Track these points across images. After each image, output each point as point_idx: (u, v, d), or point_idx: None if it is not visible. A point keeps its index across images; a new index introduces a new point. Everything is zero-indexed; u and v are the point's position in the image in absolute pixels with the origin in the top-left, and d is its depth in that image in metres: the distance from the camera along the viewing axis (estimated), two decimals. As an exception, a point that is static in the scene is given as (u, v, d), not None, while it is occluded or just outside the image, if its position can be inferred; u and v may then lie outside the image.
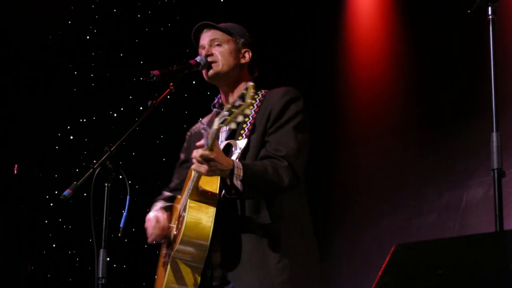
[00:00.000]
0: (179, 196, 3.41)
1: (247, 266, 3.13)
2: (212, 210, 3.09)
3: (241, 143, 3.21)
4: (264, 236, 3.15)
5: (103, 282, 3.03)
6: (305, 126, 3.28)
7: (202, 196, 3.13)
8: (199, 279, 3.13)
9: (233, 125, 2.84)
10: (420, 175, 5.86)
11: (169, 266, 3.16)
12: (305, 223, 3.31)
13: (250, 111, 2.86)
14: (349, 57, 6.78)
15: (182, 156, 3.64)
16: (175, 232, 3.27)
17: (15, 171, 6.15)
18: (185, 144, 3.65)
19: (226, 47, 3.43)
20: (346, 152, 6.64)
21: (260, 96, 3.35)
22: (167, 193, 3.60)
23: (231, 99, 3.38)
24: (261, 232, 3.15)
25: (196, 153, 2.95)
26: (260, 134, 3.24)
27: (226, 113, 2.83)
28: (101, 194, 3.10)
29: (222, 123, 2.84)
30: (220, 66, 3.40)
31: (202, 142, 2.98)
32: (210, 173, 2.98)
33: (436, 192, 5.69)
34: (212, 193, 3.13)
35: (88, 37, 6.58)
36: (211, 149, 2.92)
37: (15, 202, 6.22)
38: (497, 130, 3.08)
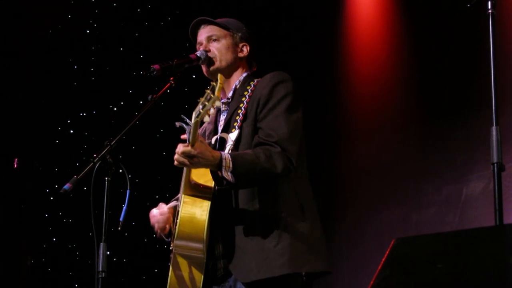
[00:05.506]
0: None
1: (245, 254, 3.13)
2: (206, 204, 3.10)
3: (233, 135, 3.22)
4: (261, 222, 3.15)
5: (103, 275, 3.04)
6: (295, 107, 3.27)
7: (195, 190, 3.14)
8: (203, 270, 3.14)
9: (206, 118, 2.87)
10: (420, 169, 5.86)
11: (172, 261, 3.17)
12: (305, 204, 3.27)
13: (220, 103, 2.88)
14: (349, 51, 6.77)
15: None
16: (175, 227, 3.28)
17: (15, 165, 6.15)
18: None
19: (223, 42, 3.45)
20: (346, 146, 6.64)
21: (252, 86, 3.35)
22: None
23: (227, 91, 3.42)
24: (257, 218, 3.15)
25: (178, 149, 2.96)
26: (251, 122, 3.24)
27: (200, 106, 2.86)
28: (101, 188, 3.11)
29: (197, 117, 2.86)
30: (219, 62, 3.42)
31: (185, 136, 2.99)
32: (194, 166, 3.01)
33: (436, 186, 5.69)
34: (205, 186, 3.13)
35: (88, 31, 6.57)
36: (192, 144, 2.93)
37: (15, 196, 6.22)
38: (496, 124, 3.08)
